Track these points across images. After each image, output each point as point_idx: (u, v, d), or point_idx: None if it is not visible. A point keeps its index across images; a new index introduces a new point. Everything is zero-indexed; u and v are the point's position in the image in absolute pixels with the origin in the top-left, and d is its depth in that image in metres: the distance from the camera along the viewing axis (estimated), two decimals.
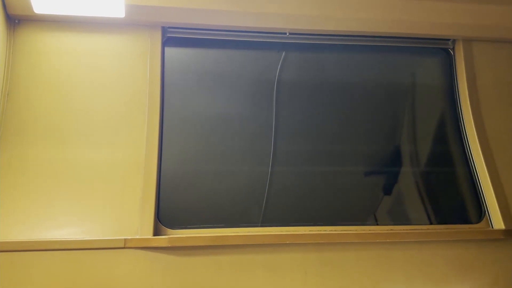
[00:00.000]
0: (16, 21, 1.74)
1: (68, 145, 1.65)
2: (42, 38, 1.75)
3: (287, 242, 1.61)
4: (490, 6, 1.94)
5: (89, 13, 1.72)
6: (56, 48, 1.75)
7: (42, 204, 1.56)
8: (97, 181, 1.62)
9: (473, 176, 1.89)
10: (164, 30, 1.86)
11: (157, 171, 1.66)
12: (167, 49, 1.88)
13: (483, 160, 1.85)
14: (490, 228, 1.79)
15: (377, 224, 1.83)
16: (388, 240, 1.67)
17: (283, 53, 1.99)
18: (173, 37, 1.89)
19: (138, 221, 1.57)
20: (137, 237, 1.54)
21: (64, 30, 1.77)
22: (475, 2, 1.93)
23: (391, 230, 1.72)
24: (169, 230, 1.62)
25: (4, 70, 1.68)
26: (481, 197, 1.85)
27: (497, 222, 1.78)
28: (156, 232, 1.59)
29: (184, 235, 1.60)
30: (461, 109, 1.98)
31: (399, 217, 1.87)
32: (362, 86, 2.03)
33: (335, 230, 1.69)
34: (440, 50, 2.09)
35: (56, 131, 1.66)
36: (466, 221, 1.85)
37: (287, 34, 1.94)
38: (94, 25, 1.80)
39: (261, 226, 1.74)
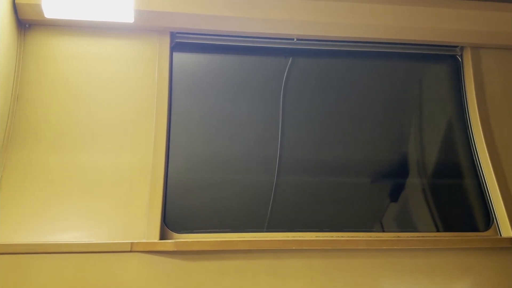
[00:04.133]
0: (27, 26, 1.77)
1: (76, 149, 1.66)
2: (52, 42, 1.77)
3: (293, 247, 1.60)
4: (498, 13, 1.93)
5: (98, 18, 1.73)
6: (65, 52, 1.77)
7: (49, 207, 1.57)
8: (105, 184, 1.63)
9: (481, 184, 1.87)
10: (173, 35, 1.88)
11: (164, 176, 1.67)
12: (175, 54, 1.90)
13: (491, 167, 1.84)
14: (499, 236, 1.77)
15: (384, 231, 1.81)
16: (394, 247, 1.66)
17: (290, 59, 2.00)
18: (181, 42, 1.91)
19: (145, 225, 1.58)
20: (144, 241, 1.54)
21: (74, 35, 1.79)
22: (483, 9, 1.93)
23: (398, 237, 1.71)
24: (175, 234, 1.62)
25: (14, 73, 1.70)
26: (489, 204, 1.84)
27: (506, 230, 1.76)
28: (163, 236, 1.59)
29: (190, 240, 1.60)
30: (469, 116, 1.97)
31: (406, 224, 1.86)
32: (369, 93, 2.02)
33: (342, 237, 1.69)
34: (448, 57, 2.09)
35: (65, 135, 1.67)
36: (474, 229, 1.84)
37: (295, 40, 1.95)
38: (103, 30, 1.81)
39: (267, 231, 1.73)
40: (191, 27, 1.85)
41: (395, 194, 1.90)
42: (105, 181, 1.63)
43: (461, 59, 2.05)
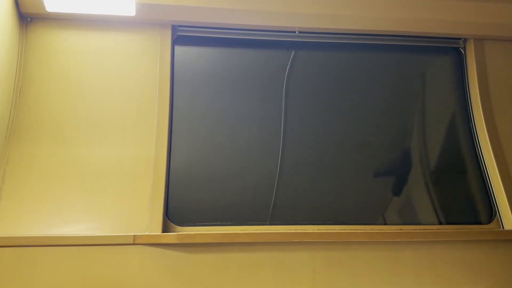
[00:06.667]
0: (29, 19, 1.77)
1: (78, 142, 1.67)
2: (53, 36, 1.77)
3: (296, 240, 1.61)
4: (502, 4, 1.91)
5: (100, 11, 1.73)
6: (67, 45, 1.77)
7: (52, 200, 1.58)
8: (107, 178, 1.63)
9: (484, 176, 1.87)
10: (174, 28, 1.88)
11: (167, 169, 1.68)
12: (177, 48, 1.89)
13: (494, 160, 1.84)
14: (501, 228, 1.77)
15: (386, 224, 1.81)
16: (397, 240, 1.66)
17: (293, 52, 1.99)
18: (183, 36, 1.91)
19: (147, 218, 1.58)
20: (146, 233, 1.55)
21: (76, 28, 1.79)
22: (486, 1, 1.91)
23: (401, 229, 1.72)
24: (178, 227, 1.63)
25: (17, 67, 1.70)
26: (491, 197, 1.84)
27: (508, 222, 1.76)
28: (165, 229, 1.59)
29: (193, 232, 1.60)
30: (472, 108, 1.96)
31: (408, 217, 1.86)
32: (372, 85, 2.02)
33: (344, 229, 1.69)
34: (451, 49, 2.07)
35: (67, 128, 1.68)
36: (476, 221, 1.83)
37: (297, 32, 1.94)
38: (105, 24, 1.81)
39: (270, 224, 1.73)
40: (192, 20, 1.85)
41: (398, 186, 1.89)
42: (108, 174, 1.63)
43: (464, 51, 2.04)
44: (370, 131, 1.96)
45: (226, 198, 1.78)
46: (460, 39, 2.04)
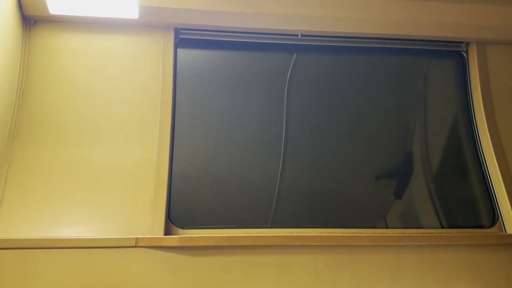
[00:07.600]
0: (32, 22, 1.77)
1: (81, 144, 1.67)
2: (57, 38, 1.78)
3: (298, 243, 1.61)
4: (505, 8, 1.91)
5: (103, 14, 1.74)
6: (70, 48, 1.78)
7: (54, 202, 1.58)
8: (109, 180, 1.63)
9: (486, 180, 1.87)
10: (177, 31, 1.88)
11: (169, 171, 1.68)
12: (179, 51, 1.90)
13: (496, 164, 1.83)
14: (503, 233, 1.77)
15: (388, 228, 1.81)
16: (399, 244, 1.65)
17: (295, 55, 1.99)
18: (185, 39, 1.91)
19: (149, 220, 1.58)
20: (148, 236, 1.55)
21: (79, 31, 1.80)
22: (489, 4, 1.91)
23: (403, 233, 1.71)
24: (180, 230, 1.63)
25: (20, 69, 1.70)
26: (494, 201, 1.83)
27: (510, 226, 1.75)
28: (167, 232, 1.59)
29: (195, 235, 1.60)
30: (474, 112, 1.96)
31: (410, 221, 1.86)
32: (374, 89, 2.02)
33: (346, 233, 1.69)
34: (453, 52, 2.07)
35: (69, 130, 1.68)
36: (479, 225, 1.83)
37: (299, 36, 1.94)
38: (108, 26, 1.82)
39: (271, 227, 1.73)
40: (195, 23, 1.85)
41: (401, 190, 1.89)
42: (110, 176, 1.64)
43: (467, 55, 2.04)
44: (372, 134, 1.95)
45: (228, 201, 1.78)
46: (462, 42, 2.04)
